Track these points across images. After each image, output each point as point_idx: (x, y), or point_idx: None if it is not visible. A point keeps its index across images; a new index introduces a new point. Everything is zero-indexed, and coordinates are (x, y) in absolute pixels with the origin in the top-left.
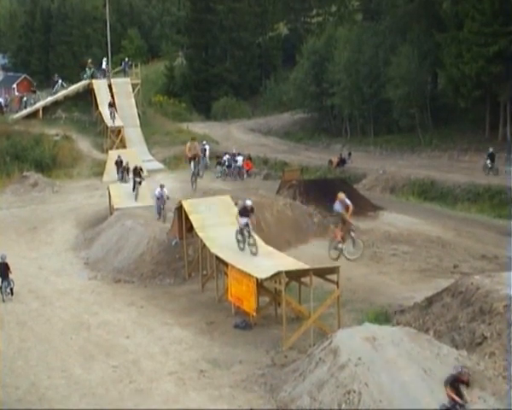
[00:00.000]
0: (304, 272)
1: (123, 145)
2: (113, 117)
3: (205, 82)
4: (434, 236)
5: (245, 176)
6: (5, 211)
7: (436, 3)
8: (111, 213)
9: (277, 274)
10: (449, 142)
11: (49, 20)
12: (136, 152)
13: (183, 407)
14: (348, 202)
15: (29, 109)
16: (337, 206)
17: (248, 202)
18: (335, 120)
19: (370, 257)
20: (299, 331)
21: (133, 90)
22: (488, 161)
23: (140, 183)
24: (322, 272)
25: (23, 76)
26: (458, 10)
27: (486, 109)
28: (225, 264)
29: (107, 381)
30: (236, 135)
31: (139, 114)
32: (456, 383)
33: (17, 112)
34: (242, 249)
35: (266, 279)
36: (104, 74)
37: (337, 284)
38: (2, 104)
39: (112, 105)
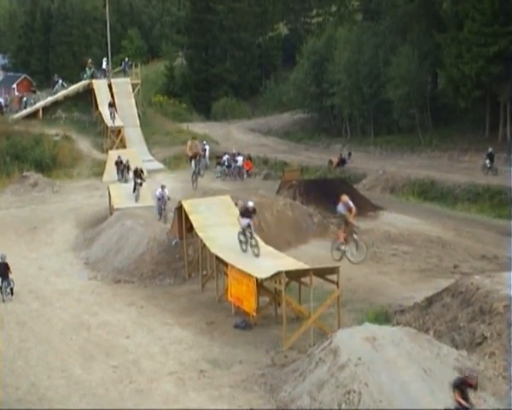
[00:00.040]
0: (304, 272)
1: (123, 145)
2: (113, 117)
3: (205, 82)
4: (434, 236)
5: (245, 176)
6: (5, 211)
7: (436, 3)
8: (111, 214)
9: (277, 274)
10: (449, 142)
11: (49, 21)
12: (136, 152)
13: (183, 407)
14: (351, 204)
15: (29, 109)
16: (340, 208)
17: (250, 204)
18: (335, 121)
19: (370, 257)
20: (299, 331)
21: (133, 90)
22: (487, 161)
23: (141, 184)
24: (322, 272)
25: (23, 76)
26: (458, 10)
27: (486, 109)
28: (225, 264)
29: (107, 381)
30: (236, 135)
31: (139, 114)
32: (464, 386)
33: (17, 112)
34: (245, 251)
35: (266, 279)
36: (104, 74)
37: (337, 284)
38: (2, 104)
39: (112, 105)
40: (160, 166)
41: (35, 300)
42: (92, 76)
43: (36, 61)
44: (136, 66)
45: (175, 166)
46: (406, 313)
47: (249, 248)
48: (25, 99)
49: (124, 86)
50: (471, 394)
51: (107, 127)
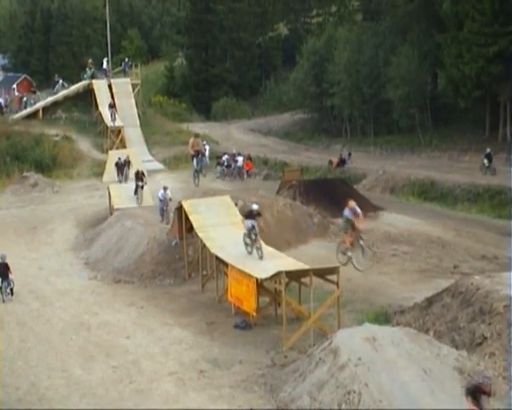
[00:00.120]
0: (304, 273)
1: (123, 145)
2: (113, 118)
3: (205, 82)
4: (434, 236)
5: (245, 176)
6: (5, 211)
7: (436, 4)
8: (111, 214)
9: (277, 274)
10: (449, 142)
11: (49, 21)
12: (136, 152)
13: (183, 407)
14: (358, 210)
15: (29, 110)
16: (347, 212)
17: (255, 207)
18: (335, 121)
19: (370, 257)
20: (299, 332)
21: (133, 90)
22: (485, 161)
23: (142, 187)
24: (322, 273)
25: (23, 76)
26: (458, 10)
27: (486, 110)
28: (225, 264)
29: (107, 381)
30: (236, 135)
31: (139, 115)
32: (478, 393)
33: (17, 112)
34: (250, 253)
35: (266, 279)
36: (105, 74)
37: (337, 284)
38: (2, 104)
39: (112, 106)
40: (160, 166)
41: (35, 300)
42: (92, 76)
43: (36, 61)
44: (136, 66)
45: (175, 167)
46: (406, 313)
47: (254, 250)
48: (25, 99)
49: (124, 86)
50: (485, 401)
51: (107, 127)
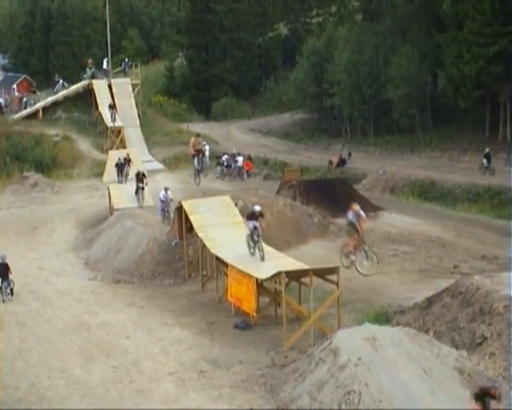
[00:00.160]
0: (304, 273)
1: (123, 145)
2: (113, 119)
3: (205, 82)
4: (434, 236)
5: (245, 176)
6: (5, 211)
7: (436, 4)
8: (111, 214)
9: (277, 274)
10: (449, 142)
11: (49, 21)
12: (136, 152)
13: (183, 407)
14: (363, 213)
15: (29, 110)
16: (350, 216)
17: (257, 208)
18: (335, 121)
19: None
20: (299, 332)
21: (133, 90)
22: (484, 161)
23: (143, 188)
24: (322, 273)
25: (23, 76)
26: (458, 10)
27: (486, 110)
28: (225, 264)
29: (107, 381)
30: (236, 135)
31: (139, 115)
32: (485, 397)
33: (17, 112)
34: (253, 254)
35: (266, 280)
36: (106, 74)
37: (337, 284)
38: (2, 105)
39: (112, 107)
40: (160, 166)
41: (35, 300)
42: (93, 76)
43: (36, 61)
44: (136, 66)
45: (175, 167)
46: (406, 313)
47: (256, 251)
48: (25, 99)
49: (124, 87)
50: (492, 404)
51: (107, 128)
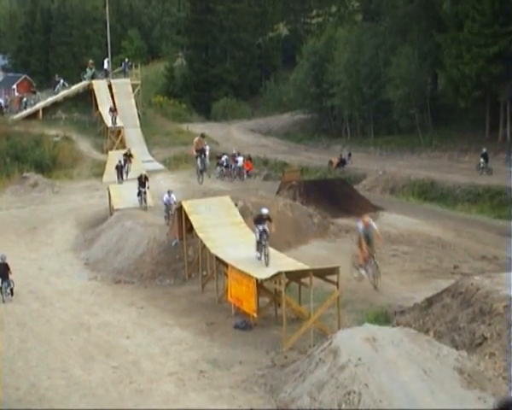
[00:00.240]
0: (304, 273)
1: (123, 146)
2: (113, 122)
3: (205, 83)
4: (434, 236)
5: (245, 176)
6: (5, 211)
7: (436, 4)
8: (111, 214)
9: (277, 275)
10: (449, 142)
11: (49, 21)
12: (136, 153)
13: (183, 407)
14: (375, 226)
15: (29, 110)
16: (360, 227)
17: (264, 211)
18: (335, 121)
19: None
20: (299, 332)
21: (133, 90)
22: (482, 161)
23: (145, 192)
24: (322, 273)
25: (23, 77)
26: (458, 11)
27: (486, 110)
28: (225, 264)
29: (107, 381)
30: (236, 135)
31: (139, 115)
32: None
33: (17, 112)
34: (260, 259)
35: (266, 280)
36: (106, 74)
37: (337, 284)
38: (2, 105)
39: (113, 110)
40: (160, 166)
41: (35, 300)
42: (93, 76)
43: (36, 61)
44: (136, 66)
45: (175, 167)
46: (406, 313)
47: (262, 256)
48: (25, 100)
49: (124, 87)
50: None
51: (107, 128)
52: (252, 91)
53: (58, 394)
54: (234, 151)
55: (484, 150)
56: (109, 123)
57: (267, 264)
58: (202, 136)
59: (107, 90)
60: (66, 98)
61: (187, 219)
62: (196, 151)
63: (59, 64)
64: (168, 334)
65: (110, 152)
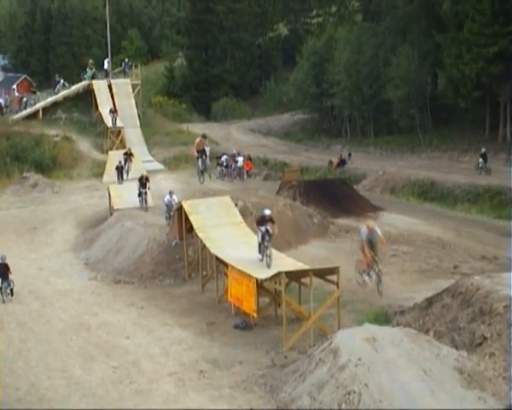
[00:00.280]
0: (304, 273)
1: (123, 146)
2: (114, 123)
3: (205, 83)
4: (434, 236)
5: (245, 176)
6: (5, 211)
7: (436, 4)
8: (111, 214)
9: (277, 275)
10: (449, 142)
11: (49, 21)
12: (136, 153)
13: (183, 407)
14: (379, 232)
15: (29, 110)
16: (364, 233)
17: (267, 212)
18: (335, 121)
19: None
20: (299, 332)
21: (133, 90)
22: (481, 160)
23: (146, 193)
24: (322, 273)
25: (23, 77)
26: (458, 11)
27: (486, 110)
28: (225, 265)
29: (108, 382)
30: (236, 136)
31: (139, 115)
32: None
33: (17, 112)
34: (262, 260)
35: (266, 280)
36: (106, 75)
37: (337, 284)
38: (2, 105)
39: (113, 112)
40: (160, 166)
41: (35, 300)
42: (93, 76)
43: (36, 61)
44: (136, 66)
45: (175, 167)
46: (406, 313)
47: (264, 257)
48: (25, 100)
49: (124, 87)
50: None
51: (107, 128)
52: (252, 91)
53: (58, 394)
54: (234, 151)
55: (483, 150)
56: (109, 124)
57: (269, 266)
58: (204, 137)
59: (107, 90)
60: (66, 98)
61: (187, 219)
62: (197, 152)
63: (59, 64)
64: (168, 334)
65: (110, 152)
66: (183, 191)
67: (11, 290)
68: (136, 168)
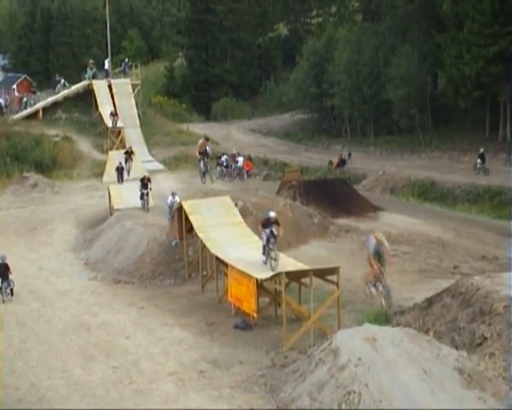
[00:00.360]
0: (304, 273)
1: (123, 146)
2: (114, 126)
3: (205, 83)
4: (434, 236)
5: (245, 177)
6: (5, 212)
7: (436, 4)
8: (111, 214)
9: (277, 275)
10: (449, 142)
11: (49, 21)
12: (136, 153)
13: (183, 407)
14: (387, 243)
15: (29, 110)
16: (372, 244)
17: (272, 214)
18: (335, 121)
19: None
20: (299, 332)
21: (133, 90)
22: (479, 161)
23: (147, 194)
24: (322, 273)
25: (23, 77)
26: (458, 11)
27: (486, 110)
28: (225, 265)
29: (107, 382)
30: (236, 136)
31: (139, 115)
32: None
33: (17, 112)
34: (266, 263)
35: (266, 280)
36: (107, 74)
37: (337, 284)
38: (3, 105)
39: (114, 115)
40: (160, 166)
41: (35, 300)
42: (94, 76)
43: (36, 61)
44: (136, 66)
45: (175, 167)
46: (406, 313)
47: (269, 260)
48: (25, 100)
49: (124, 87)
50: None
51: (107, 128)
52: (252, 91)
53: (58, 394)
54: (234, 151)
55: (481, 150)
56: (109, 124)
57: (274, 269)
58: (206, 139)
59: (107, 90)
60: (66, 98)
61: (187, 219)
62: (199, 153)
63: (59, 64)
64: (168, 334)
65: (110, 152)
66: (183, 191)
67: (11, 290)
68: (137, 168)
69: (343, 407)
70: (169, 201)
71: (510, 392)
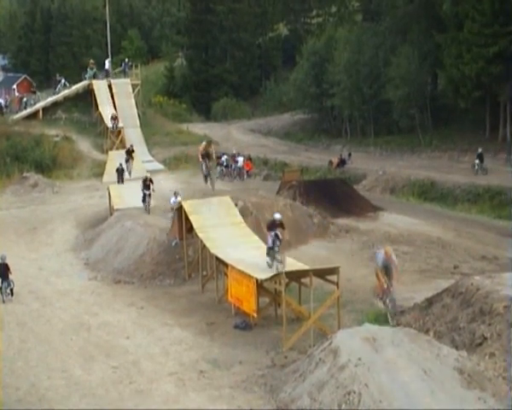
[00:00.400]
0: (304, 273)
1: (123, 146)
2: (114, 128)
3: (205, 83)
4: (434, 236)
5: (245, 176)
6: (5, 211)
7: (436, 4)
8: (111, 214)
9: (277, 275)
10: (449, 142)
11: (49, 21)
12: (136, 153)
13: (183, 407)
14: (395, 258)
15: (29, 110)
16: (381, 259)
17: (277, 216)
18: (335, 121)
19: (370, 258)
20: (299, 332)
21: (133, 90)
22: (477, 161)
23: (150, 195)
24: (322, 273)
25: (23, 77)
26: (458, 11)
27: (486, 110)
28: (225, 265)
29: (107, 382)
30: (236, 136)
31: (139, 115)
32: None
33: (17, 112)
34: (271, 266)
35: (266, 280)
36: (107, 74)
37: (337, 284)
38: (3, 105)
39: (114, 118)
40: (160, 166)
41: (35, 300)
42: (94, 76)
43: (36, 61)
44: (136, 66)
45: (175, 167)
46: (406, 313)
47: (274, 262)
48: (25, 100)
49: (124, 87)
50: None
51: (107, 128)
52: (252, 91)
53: (58, 394)
54: (234, 151)
55: (479, 150)
56: (109, 121)
57: (281, 271)
58: (209, 142)
59: (107, 90)
60: (66, 98)
61: (187, 219)
62: (201, 156)
63: (59, 64)
64: (168, 334)
65: (110, 152)
66: (183, 191)
67: (11, 290)
68: (137, 168)
69: (343, 407)
70: (172, 201)
71: (510, 392)
